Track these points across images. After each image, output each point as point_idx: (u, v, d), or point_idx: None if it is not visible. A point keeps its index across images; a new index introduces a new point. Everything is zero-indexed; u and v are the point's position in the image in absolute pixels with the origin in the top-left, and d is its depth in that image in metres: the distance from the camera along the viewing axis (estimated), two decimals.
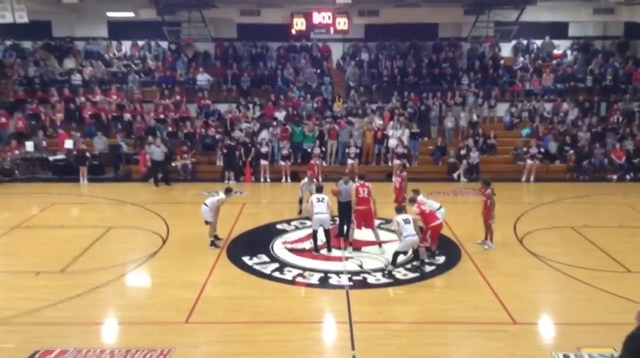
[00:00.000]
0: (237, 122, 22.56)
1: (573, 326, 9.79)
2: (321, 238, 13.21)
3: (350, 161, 21.36)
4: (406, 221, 11.90)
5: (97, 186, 20.49)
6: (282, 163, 21.26)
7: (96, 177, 21.16)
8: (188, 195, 19.47)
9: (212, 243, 13.56)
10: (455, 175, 21.19)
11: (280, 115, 23.11)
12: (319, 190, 13.76)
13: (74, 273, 12.08)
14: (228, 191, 13.86)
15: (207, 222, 13.52)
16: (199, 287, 11.28)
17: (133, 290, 11.76)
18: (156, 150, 20.30)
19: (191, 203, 17.35)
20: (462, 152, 21.51)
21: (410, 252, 12.30)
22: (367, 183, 13.54)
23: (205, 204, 13.47)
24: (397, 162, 20.68)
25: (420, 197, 13.02)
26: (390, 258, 12.14)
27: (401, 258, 12.23)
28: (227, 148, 20.84)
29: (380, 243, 13.34)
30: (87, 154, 21.04)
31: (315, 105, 23.94)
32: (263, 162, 21.25)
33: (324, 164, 21.57)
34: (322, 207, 13.02)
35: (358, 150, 21.69)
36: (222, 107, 23.99)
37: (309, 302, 10.95)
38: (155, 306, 10.56)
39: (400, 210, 12.56)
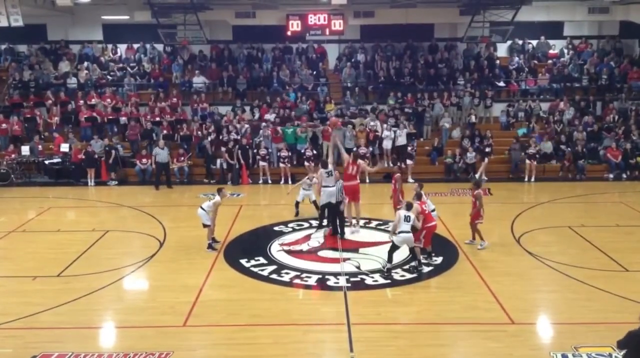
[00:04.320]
0: (232, 125, 22.47)
1: (571, 326, 9.80)
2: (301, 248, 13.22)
3: (359, 161, 21.17)
4: (406, 218, 11.82)
5: (94, 189, 20.49)
6: (281, 165, 21.23)
7: (95, 181, 21.11)
8: (185, 197, 19.44)
9: (210, 246, 13.53)
10: (477, 176, 20.83)
11: (271, 117, 23.04)
12: (325, 164, 14.01)
13: (71, 278, 12.04)
14: (220, 191, 13.82)
15: (205, 225, 13.50)
16: (197, 290, 11.26)
17: (130, 294, 11.74)
18: (160, 152, 20.28)
19: (188, 206, 17.33)
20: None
21: (407, 253, 12.31)
22: (358, 162, 14.23)
23: (202, 208, 13.45)
24: (409, 162, 20.73)
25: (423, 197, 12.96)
26: (385, 257, 12.14)
27: (398, 259, 12.24)
28: (237, 150, 21.02)
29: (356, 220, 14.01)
30: (95, 156, 21.04)
31: (307, 106, 23.90)
32: (262, 163, 21.23)
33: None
34: (331, 180, 13.44)
35: (366, 150, 21.48)
36: (223, 111, 23.93)
37: (307, 304, 10.95)
38: (152, 310, 10.54)
39: (409, 206, 12.10)
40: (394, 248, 12.00)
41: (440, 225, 14.84)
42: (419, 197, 12.68)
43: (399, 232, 11.82)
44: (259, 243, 14.10)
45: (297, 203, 16.12)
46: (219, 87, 25.19)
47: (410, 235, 11.85)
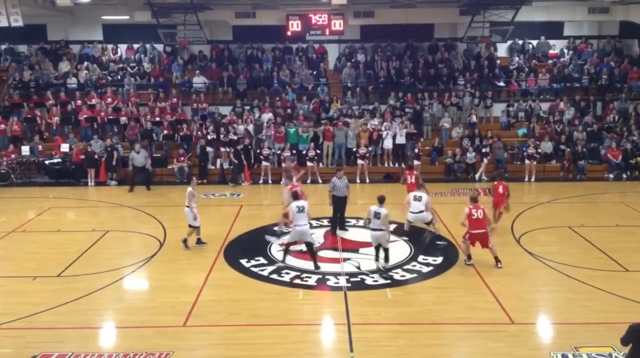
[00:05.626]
0: (233, 125, 22.48)
1: (571, 326, 9.80)
2: (301, 248, 12.90)
3: (360, 162, 21.26)
4: (375, 215, 11.77)
5: (94, 189, 20.50)
6: (284, 165, 21.19)
7: (95, 181, 21.10)
8: (184, 197, 19.26)
9: (199, 241, 13.80)
10: (477, 176, 21.19)
11: (266, 116, 23.04)
12: (295, 196, 13.06)
13: (71, 278, 12.05)
14: (190, 181, 14.14)
15: (191, 226, 13.63)
16: (197, 290, 11.26)
17: (130, 294, 11.75)
18: (137, 157, 20.23)
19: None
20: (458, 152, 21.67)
21: (408, 252, 12.30)
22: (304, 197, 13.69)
23: (186, 206, 13.57)
24: (416, 162, 20.79)
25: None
26: (385, 257, 12.16)
27: (398, 259, 12.25)
28: (240, 151, 21.00)
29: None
30: (96, 156, 21.03)
31: (312, 107, 23.92)
32: (265, 163, 21.23)
33: (321, 165, 21.63)
34: (303, 218, 12.13)
35: (366, 151, 21.44)
36: (223, 110, 23.95)
37: (307, 304, 10.94)
38: (153, 310, 10.55)
39: (381, 200, 12.02)
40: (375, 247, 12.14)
41: (440, 225, 14.90)
42: (473, 201, 12.51)
43: (372, 229, 11.86)
44: (259, 243, 14.09)
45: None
46: (219, 87, 25.21)
47: (382, 233, 11.82)
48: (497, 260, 12.32)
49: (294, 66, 25.80)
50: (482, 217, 12.25)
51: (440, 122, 23.46)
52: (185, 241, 13.67)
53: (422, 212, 13.91)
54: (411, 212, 13.98)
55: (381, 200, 12.00)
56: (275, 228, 14.54)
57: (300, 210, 12.05)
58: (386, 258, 11.99)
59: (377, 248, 12.15)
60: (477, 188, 19.59)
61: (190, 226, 13.69)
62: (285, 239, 12.80)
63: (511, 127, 23.84)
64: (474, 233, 12.28)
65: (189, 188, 13.67)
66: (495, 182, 14.91)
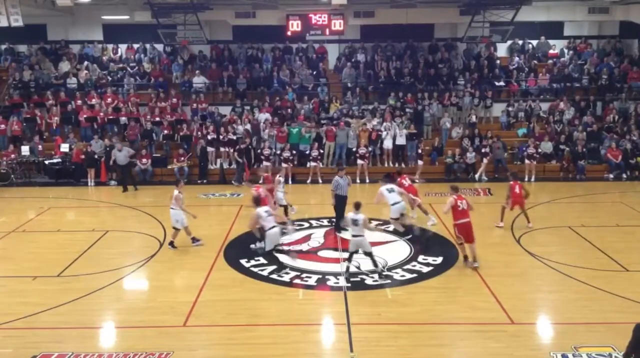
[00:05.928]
0: (233, 125, 22.49)
1: (571, 326, 9.79)
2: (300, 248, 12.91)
3: (359, 162, 21.28)
4: (354, 222, 11.63)
5: (94, 189, 20.53)
6: (283, 165, 21.23)
7: (95, 181, 21.11)
8: (185, 198, 19.36)
9: (194, 240, 13.75)
10: (477, 175, 21.22)
11: (263, 116, 23.05)
12: (257, 201, 12.43)
13: (71, 278, 12.04)
14: (177, 182, 14.21)
15: (174, 228, 13.56)
16: (197, 290, 11.25)
17: (130, 294, 11.75)
18: (119, 155, 20.19)
19: (187, 205, 17.21)
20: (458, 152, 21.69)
21: (408, 252, 12.29)
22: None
23: (171, 208, 13.53)
24: (420, 162, 20.84)
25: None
26: (385, 258, 12.21)
27: (397, 259, 12.23)
28: (243, 151, 21.00)
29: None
30: (96, 156, 21.02)
31: (311, 106, 23.93)
32: (266, 163, 21.23)
33: (321, 165, 21.62)
34: (272, 220, 12.08)
35: (366, 151, 21.46)
36: (223, 110, 23.96)
37: (307, 304, 10.94)
38: (152, 310, 10.55)
39: (357, 206, 11.87)
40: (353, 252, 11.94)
41: (440, 225, 14.91)
42: (455, 190, 12.54)
43: (352, 236, 11.75)
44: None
45: (284, 208, 15.69)
46: (219, 87, 25.20)
47: (361, 239, 11.69)
48: (473, 259, 12.27)
49: (294, 66, 25.80)
50: (467, 207, 12.26)
51: (440, 122, 23.47)
52: (171, 243, 13.66)
53: (399, 202, 13.87)
54: (391, 205, 13.91)
55: (357, 206, 11.83)
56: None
57: (269, 214, 12.19)
58: (373, 263, 11.79)
59: (353, 253, 11.93)
60: (477, 189, 19.62)
61: (173, 228, 13.64)
62: (266, 248, 12.34)
63: (511, 127, 23.84)
64: (459, 224, 12.21)
65: (175, 192, 13.59)
66: (512, 182, 15.14)
